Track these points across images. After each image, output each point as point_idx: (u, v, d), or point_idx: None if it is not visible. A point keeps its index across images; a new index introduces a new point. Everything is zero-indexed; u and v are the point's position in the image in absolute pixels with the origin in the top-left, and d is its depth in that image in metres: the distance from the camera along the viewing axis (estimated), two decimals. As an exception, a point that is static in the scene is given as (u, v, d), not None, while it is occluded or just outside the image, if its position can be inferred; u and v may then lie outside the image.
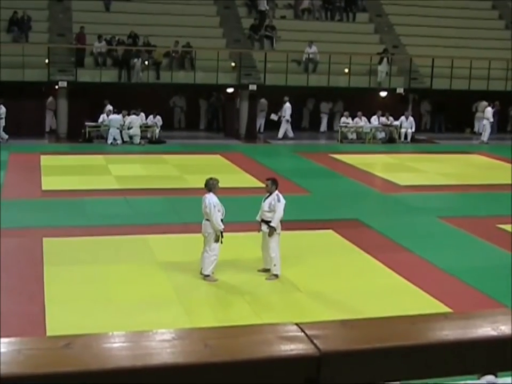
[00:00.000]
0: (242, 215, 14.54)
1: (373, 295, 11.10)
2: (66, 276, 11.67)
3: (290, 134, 29.83)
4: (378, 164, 24.65)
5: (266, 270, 11.97)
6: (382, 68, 31.29)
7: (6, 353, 1.27)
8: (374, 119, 29.93)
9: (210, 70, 28.88)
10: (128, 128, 27.36)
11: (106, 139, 27.24)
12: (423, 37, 32.91)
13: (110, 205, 17.26)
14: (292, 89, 29.90)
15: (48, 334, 9.13)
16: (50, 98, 29.17)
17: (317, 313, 10.12)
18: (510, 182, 19.91)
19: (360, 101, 30.81)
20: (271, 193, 11.96)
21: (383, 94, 31.23)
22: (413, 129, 30.26)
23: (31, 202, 17.16)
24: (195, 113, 32.04)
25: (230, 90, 30.24)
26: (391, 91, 31.00)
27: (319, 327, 1.45)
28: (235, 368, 1.30)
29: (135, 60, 28.69)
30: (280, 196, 11.94)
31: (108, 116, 27.31)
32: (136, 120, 27.49)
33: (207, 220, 11.60)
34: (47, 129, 29.20)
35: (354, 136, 30.24)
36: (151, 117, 28.41)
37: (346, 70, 30.49)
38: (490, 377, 6.28)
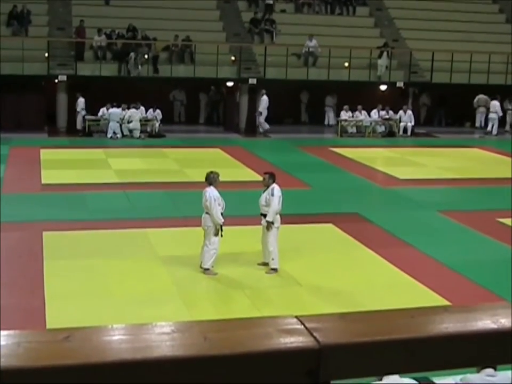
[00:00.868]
0: (242, 209, 14.55)
1: (373, 289, 11.11)
2: (66, 270, 11.67)
3: (262, 128, 29.63)
4: (378, 157, 24.64)
5: (266, 264, 11.97)
6: (382, 62, 31.26)
7: (5, 346, 1.27)
8: (374, 113, 29.91)
9: (210, 64, 28.85)
10: (128, 122, 27.35)
11: (106, 133, 27.24)
12: (423, 30, 32.88)
13: (110, 199, 17.26)
14: (292, 83, 29.91)
15: (48, 328, 9.14)
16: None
17: (317, 307, 10.12)
18: (510, 176, 19.90)
19: (360, 94, 30.78)
20: (268, 187, 11.96)
21: (383, 87, 31.22)
22: (413, 123, 30.27)
23: (31, 196, 17.16)
24: (195, 107, 32.02)
25: (230, 84, 30.22)
26: (391, 85, 30.98)
27: (319, 320, 1.45)
28: (235, 361, 1.30)
29: (131, 54, 28.65)
30: (276, 189, 11.88)
31: (107, 109, 27.31)
32: (136, 114, 27.48)
33: (207, 213, 11.60)
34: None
35: (354, 130, 30.23)
36: (150, 110, 28.40)
37: (346, 64, 30.46)
38: (489, 371, 6.29)
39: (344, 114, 29.83)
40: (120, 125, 27.29)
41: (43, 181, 18.79)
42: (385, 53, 31.39)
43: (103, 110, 27.56)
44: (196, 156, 23.65)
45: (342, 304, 10.29)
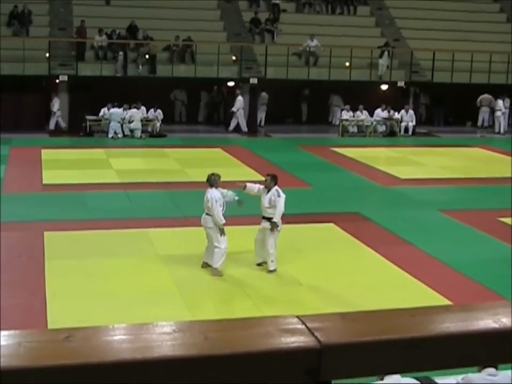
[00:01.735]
0: (243, 209, 14.54)
1: (374, 289, 11.11)
2: (67, 269, 11.68)
3: (231, 127, 29.51)
4: (379, 157, 24.63)
5: (261, 264, 11.98)
6: (383, 61, 31.25)
7: (6, 346, 1.27)
8: (378, 112, 29.84)
9: (211, 64, 28.86)
10: (129, 122, 27.36)
11: (107, 133, 27.25)
12: (424, 30, 32.86)
13: (111, 198, 17.26)
14: (293, 82, 29.90)
15: (49, 328, 9.14)
16: None
17: (318, 307, 10.12)
18: (511, 175, 19.90)
19: (361, 94, 30.78)
20: (270, 189, 11.95)
21: (384, 87, 31.20)
22: (414, 123, 30.27)
23: (32, 196, 17.17)
24: (196, 107, 32.02)
25: (230, 83, 30.22)
26: (392, 84, 30.97)
27: (320, 319, 1.45)
28: (235, 360, 1.30)
29: (119, 54, 28.64)
30: (280, 190, 11.92)
31: (108, 109, 27.33)
32: (136, 114, 27.48)
33: (208, 214, 11.62)
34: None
35: (355, 129, 30.22)
36: (151, 110, 28.40)
37: (347, 64, 30.45)
38: (491, 370, 6.29)
39: (345, 114, 29.82)
40: (121, 125, 27.30)
41: (44, 181, 18.79)
42: (386, 53, 31.38)
43: (104, 110, 27.57)
44: (197, 155, 23.66)
45: (343, 304, 10.29)
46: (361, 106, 29.87)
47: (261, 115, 30.87)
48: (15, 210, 15.18)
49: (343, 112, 29.98)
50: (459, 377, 6.50)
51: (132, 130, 27.45)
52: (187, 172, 20.53)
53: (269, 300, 10.79)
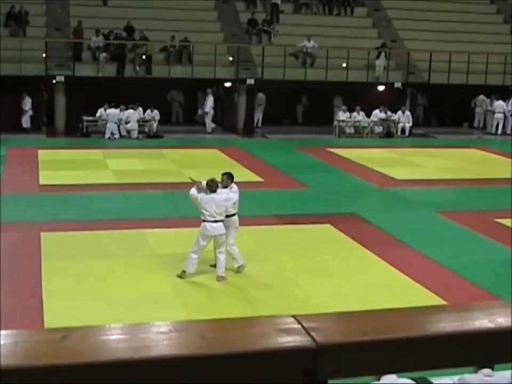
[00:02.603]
0: (240, 210, 14.51)
1: (371, 290, 11.11)
2: (64, 270, 11.67)
3: (208, 128, 29.50)
4: (376, 158, 24.63)
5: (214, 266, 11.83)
6: (380, 62, 31.27)
7: (3, 345, 1.27)
8: (376, 113, 29.82)
9: (208, 65, 28.85)
10: (126, 123, 27.35)
11: (103, 134, 27.24)
12: (421, 31, 32.89)
13: (108, 199, 17.25)
14: (290, 83, 29.89)
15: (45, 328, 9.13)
16: None
17: (315, 308, 10.12)
18: (508, 177, 19.92)
19: (358, 95, 30.79)
20: (227, 187, 11.92)
21: (381, 88, 31.22)
22: (411, 124, 30.30)
23: (29, 197, 17.15)
24: (193, 108, 32.01)
25: (227, 84, 30.22)
26: (389, 85, 30.99)
27: (316, 319, 1.45)
28: (232, 360, 1.30)
29: (102, 54, 28.61)
30: (234, 187, 11.93)
31: (105, 110, 27.31)
32: (133, 115, 27.48)
33: (227, 216, 11.63)
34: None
35: (352, 130, 30.24)
36: (148, 111, 28.39)
37: (344, 65, 30.47)
38: (487, 371, 6.29)
39: (342, 115, 29.84)
40: (118, 126, 27.30)
41: (41, 182, 18.77)
42: (383, 54, 31.40)
43: (101, 111, 27.56)
44: (194, 156, 23.65)
45: (339, 305, 10.28)
46: (358, 107, 29.89)
47: (258, 116, 30.88)
48: (12, 211, 15.16)
49: (339, 113, 29.99)
50: (455, 378, 6.50)
51: (128, 131, 27.45)
52: (184, 173, 20.46)
53: (265, 300, 10.78)
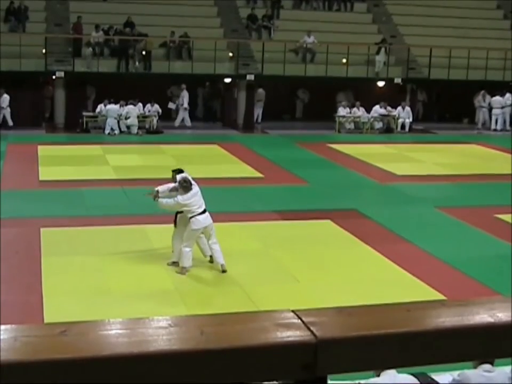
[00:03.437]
0: (240, 205, 14.55)
1: (370, 285, 11.11)
2: (64, 266, 11.67)
3: (188, 123, 29.43)
4: (376, 154, 24.62)
5: (175, 263, 11.74)
6: (380, 58, 31.25)
7: (2, 340, 1.27)
8: (376, 109, 29.78)
9: (208, 60, 28.82)
10: (126, 118, 27.33)
11: (103, 129, 27.22)
12: (421, 26, 32.86)
13: (108, 195, 17.24)
14: (290, 79, 29.85)
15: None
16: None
17: (315, 303, 10.12)
18: (508, 172, 19.92)
19: (358, 91, 30.77)
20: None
21: (381, 84, 31.20)
22: (411, 119, 30.29)
23: (28, 192, 17.14)
24: (193, 103, 31.98)
25: (227, 80, 30.20)
26: (389, 81, 30.97)
27: (316, 314, 1.45)
28: (231, 355, 1.30)
29: (89, 49, 28.57)
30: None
31: (105, 106, 27.30)
32: (133, 110, 27.45)
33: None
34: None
35: (352, 126, 30.23)
36: (148, 105, 28.35)
37: (344, 60, 30.45)
38: (487, 366, 6.29)
39: (342, 111, 29.81)
40: (118, 121, 27.28)
41: (41, 177, 18.77)
42: (383, 49, 31.38)
43: (100, 107, 27.54)
44: (194, 152, 23.63)
45: (339, 300, 10.28)
46: (357, 103, 29.87)
47: (258, 111, 30.86)
48: (11, 206, 15.16)
49: (339, 108, 29.96)
50: (455, 374, 6.51)
51: (128, 127, 27.43)
52: (184, 168, 20.42)
53: (265, 296, 10.78)
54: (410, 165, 22.49)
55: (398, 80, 31.12)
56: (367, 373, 5.84)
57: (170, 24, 29.72)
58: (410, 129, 30.23)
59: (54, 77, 27.91)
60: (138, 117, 27.74)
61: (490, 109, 31.40)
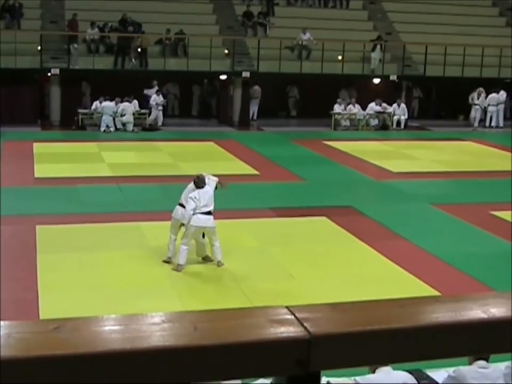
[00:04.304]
0: (236, 202, 14.55)
1: (366, 282, 11.13)
2: (59, 263, 11.67)
3: (160, 121, 29.19)
4: (371, 151, 24.64)
5: (170, 259, 11.88)
6: (376, 55, 31.26)
7: (-5, 337, 1.27)
8: (372, 106, 29.78)
9: (203, 57, 28.81)
10: (121, 116, 27.30)
11: (99, 126, 27.19)
12: (417, 24, 32.88)
13: (103, 192, 17.24)
14: (285, 76, 29.85)
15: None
16: None
17: (310, 300, 10.11)
18: (503, 169, 19.95)
19: (354, 88, 30.77)
20: None
21: (377, 81, 31.21)
22: (406, 116, 30.30)
23: (24, 190, 17.13)
24: (189, 101, 31.98)
25: (223, 77, 30.19)
26: (385, 78, 30.99)
27: (310, 310, 1.45)
28: (225, 351, 1.30)
29: (75, 45, 28.48)
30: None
31: (100, 103, 27.26)
32: (129, 107, 27.43)
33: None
34: None
35: (347, 123, 30.23)
36: (154, 96, 28.22)
37: (340, 57, 30.45)
38: (482, 363, 6.31)
39: (338, 108, 29.82)
40: (113, 119, 27.25)
41: (36, 175, 18.75)
42: (378, 46, 31.39)
43: (96, 104, 27.51)
44: (190, 149, 23.63)
45: (334, 297, 10.30)
46: (353, 100, 29.86)
47: (254, 108, 30.84)
48: (7, 203, 15.13)
49: (335, 105, 29.95)
50: (450, 370, 6.52)
51: (124, 124, 27.41)
52: (180, 166, 20.50)
53: (260, 292, 10.79)
54: (406, 162, 22.52)
55: (393, 77, 31.14)
56: (363, 369, 5.84)
57: (166, 21, 29.70)
58: (406, 126, 30.24)
59: (49, 74, 27.85)
60: (133, 114, 27.71)
61: (484, 106, 31.44)
